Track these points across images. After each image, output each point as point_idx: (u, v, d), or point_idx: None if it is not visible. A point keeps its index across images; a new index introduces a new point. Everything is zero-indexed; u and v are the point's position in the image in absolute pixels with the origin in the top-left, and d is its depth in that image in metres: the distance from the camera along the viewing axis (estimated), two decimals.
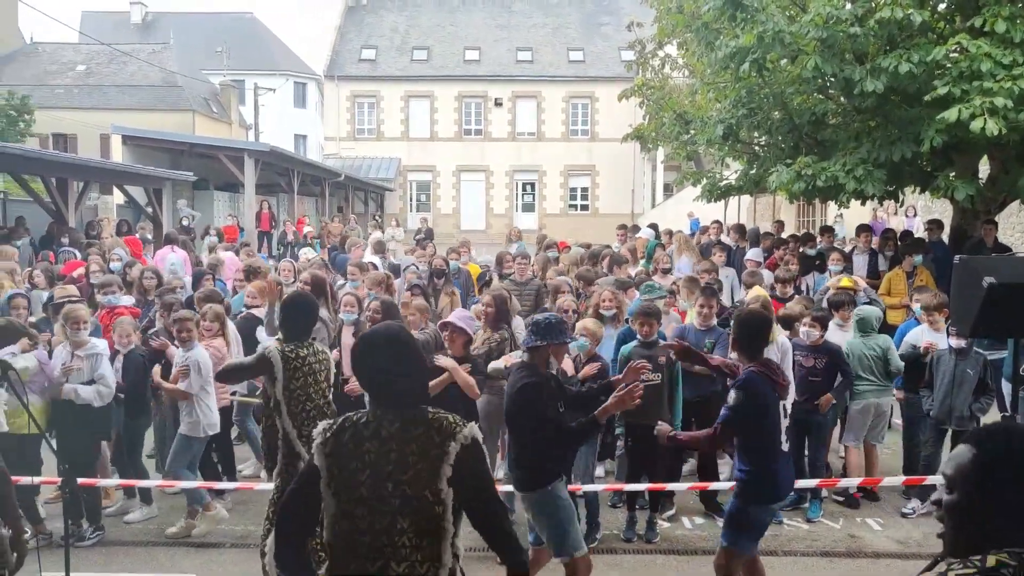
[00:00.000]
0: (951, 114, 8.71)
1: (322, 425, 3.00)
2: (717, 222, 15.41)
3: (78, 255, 12.87)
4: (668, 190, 38.58)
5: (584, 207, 42.39)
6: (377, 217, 27.41)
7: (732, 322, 5.13)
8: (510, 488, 5.00)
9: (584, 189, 42.54)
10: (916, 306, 8.01)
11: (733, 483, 4.99)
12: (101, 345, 6.65)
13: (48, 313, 8.30)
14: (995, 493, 1.85)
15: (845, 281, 8.76)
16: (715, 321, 7.35)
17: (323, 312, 7.71)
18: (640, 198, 40.86)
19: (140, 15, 51.30)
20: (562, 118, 42.16)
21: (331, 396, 5.05)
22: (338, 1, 46.33)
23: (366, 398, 3.28)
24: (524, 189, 42.74)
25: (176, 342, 6.77)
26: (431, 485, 2.88)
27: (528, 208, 42.51)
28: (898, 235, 13.52)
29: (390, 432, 2.90)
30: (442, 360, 6.05)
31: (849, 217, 20.71)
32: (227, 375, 4.70)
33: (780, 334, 6.96)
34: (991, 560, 1.80)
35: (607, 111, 40.50)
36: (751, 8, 10.01)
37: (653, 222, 19.42)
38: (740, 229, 13.71)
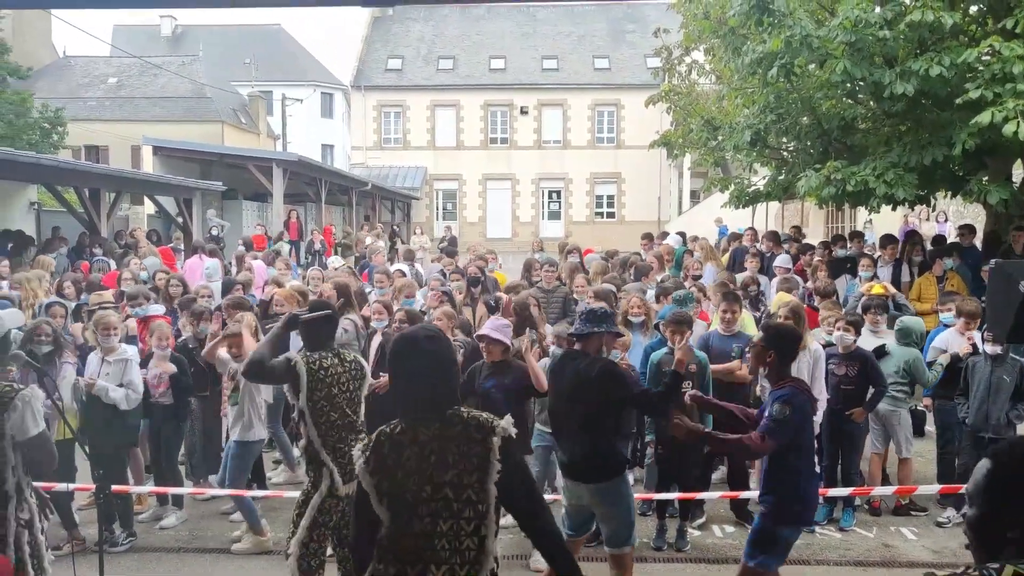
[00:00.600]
0: (984, 117, 8.59)
1: (358, 447, 3.00)
2: (751, 229, 15.29)
3: (112, 265, 13.03)
4: (695, 197, 38.42)
5: (611, 215, 42.33)
6: (396, 227, 27.37)
7: (761, 334, 5.01)
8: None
9: (610, 197, 42.48)
10: (946, 314, 7.89)
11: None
12: (131, 351, 6.72)
13: (83, 320, 8.41)
14: (1010, 506, 1.87)
15: (877, 288, 8.67)
16: (738, 327, 7.27)
17: (352, 317, 7.75)
18: (667, 205, 40.73)
19: (170, 28, 52.00)
20: (588, 126, 42.16)
21: (362, 407, 4.95)
22: (364, 12, 46.68)
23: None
24: (550, 197, 42.76)
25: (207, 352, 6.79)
26: (476, 484, 2.88)
27: (554, 216, 42.52)
28: (929, 240, 13.36)
29: (428, 435, 2.91)
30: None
31: (879, 222, 20.49)
32: (253, 370, 4.65)
33: (813, 342, 6.88)
34: (1008, 571, 1.80)
35: (633, 118, 40.41)
36: (778, 13, 9.94)
37: (681, 230, 19.35)
38: (774, 236, 13.59)
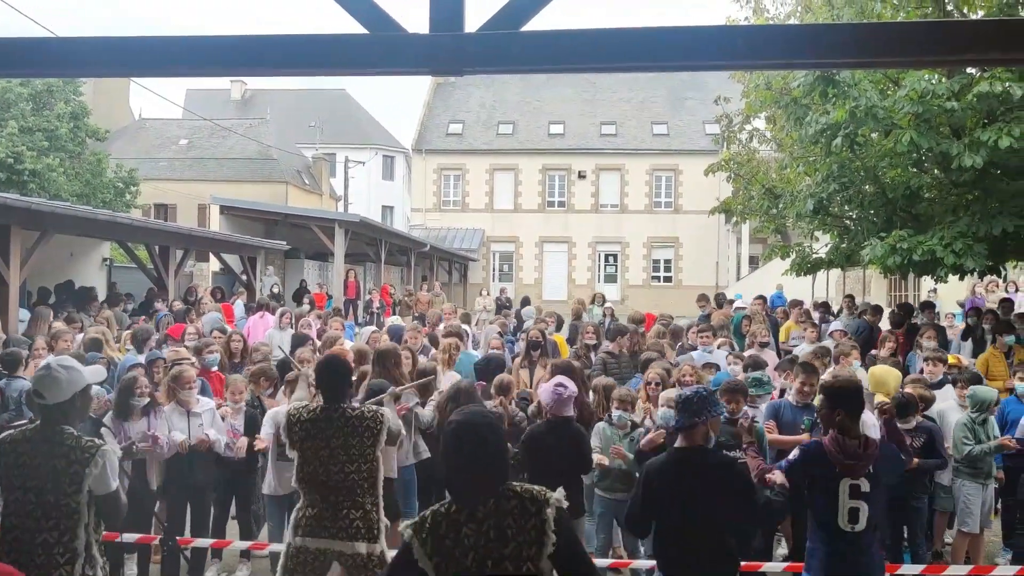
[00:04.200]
0: None
1: (410, 527, 3.02)
2: (760, 297, 15.12)
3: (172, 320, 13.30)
4: (754, 262, 38.12)
5: (667, 279, 42.16)
6: (503, 295, 27.70)
7: (822, 396, 4.98)
8: None
9: (667, 261, 42.36)
10: (1022, 384, 7.67)
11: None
12: (211, 402, 6.87)
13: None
14: None
15: (949, 359, 8.45)
16: (813, 399, 7.14)
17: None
18: (724, 270, 40.46)
19: (240, 92, 53.89)
20: (645, 190, 42.31)
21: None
22: (427, 79, 47.85)
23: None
24: (607, 260, 42.81)
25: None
26: (535, 556, 2.90)
27: (610, 279, 42.48)
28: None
29: (485, 511, 2.95)
30: None
31: (945, 292, 20.08)
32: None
33: (866, 413, 6.71)
34: None
35: (691, 183, 40.49)
36: (843, 84, 9.97)
37: (720, 292, 19.08)
38: (824, 306, 13.43)
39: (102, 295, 16.35)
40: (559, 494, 3.02)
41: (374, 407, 5.00)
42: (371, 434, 4.76)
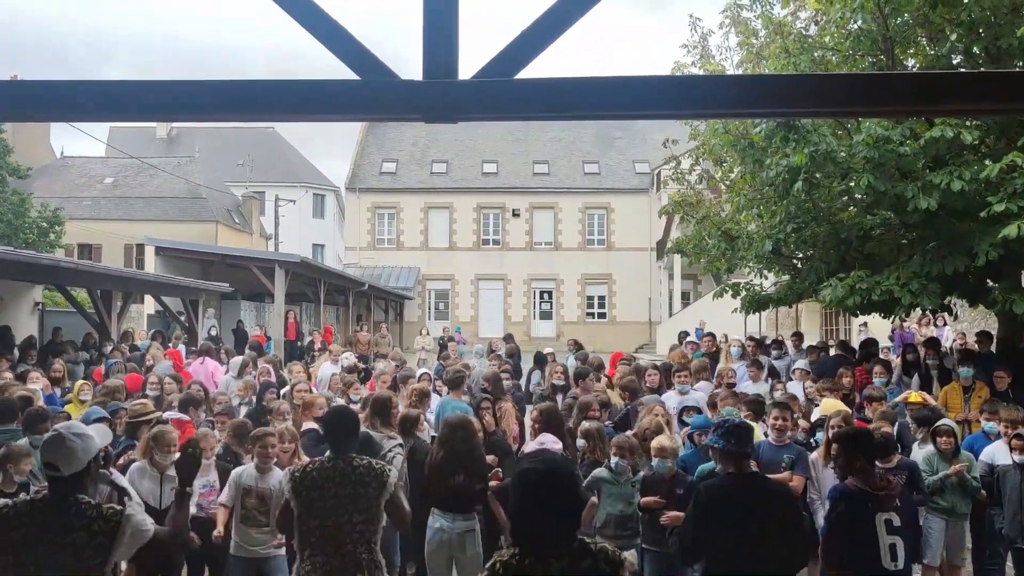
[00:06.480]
0: (1011, 230, 8.82)
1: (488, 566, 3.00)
2: (710, 335, 15.52)
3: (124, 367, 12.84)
4: (685, 298, 38.86)
5: (602, 315, 42.61)
6: (445, 336, 27.45)
7: (839, 445, 5.09)
8: None
9: (601, 297, 42.86)
10: (990, 423, 7.93)
11: None
12: None
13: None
14: None
15: (914, 396, 8.70)
16: (789, 435, 7.25)
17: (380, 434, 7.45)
18: (657, 306, 41.12)
19: (166, 130, 52.85)
20: (579, 228, 42.87)
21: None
22: None
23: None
24: (542, 297, 43.09)
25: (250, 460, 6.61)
26: None
27: (546, 316, 42.76)
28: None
29: (560, 566, 2.89)
30: None
31: (874, 326, 20.74)
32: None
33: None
34: None
35: (623, 221, 41.47)
36: (803, 129, 10.27)
37: (683, 330, 19.55)
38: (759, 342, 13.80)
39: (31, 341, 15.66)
40: (632, 556, 3.01)
41: (381, 462, 4.92)
42: (378, 484, 4.68)
